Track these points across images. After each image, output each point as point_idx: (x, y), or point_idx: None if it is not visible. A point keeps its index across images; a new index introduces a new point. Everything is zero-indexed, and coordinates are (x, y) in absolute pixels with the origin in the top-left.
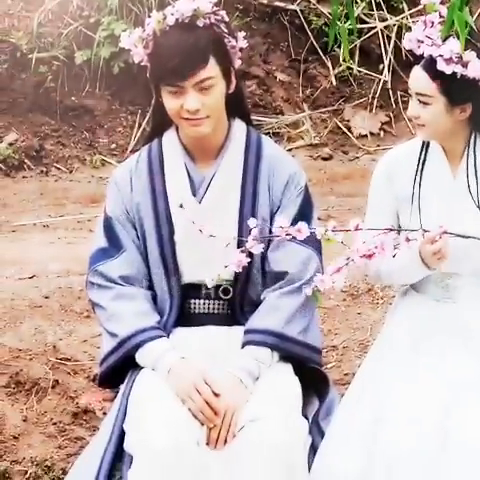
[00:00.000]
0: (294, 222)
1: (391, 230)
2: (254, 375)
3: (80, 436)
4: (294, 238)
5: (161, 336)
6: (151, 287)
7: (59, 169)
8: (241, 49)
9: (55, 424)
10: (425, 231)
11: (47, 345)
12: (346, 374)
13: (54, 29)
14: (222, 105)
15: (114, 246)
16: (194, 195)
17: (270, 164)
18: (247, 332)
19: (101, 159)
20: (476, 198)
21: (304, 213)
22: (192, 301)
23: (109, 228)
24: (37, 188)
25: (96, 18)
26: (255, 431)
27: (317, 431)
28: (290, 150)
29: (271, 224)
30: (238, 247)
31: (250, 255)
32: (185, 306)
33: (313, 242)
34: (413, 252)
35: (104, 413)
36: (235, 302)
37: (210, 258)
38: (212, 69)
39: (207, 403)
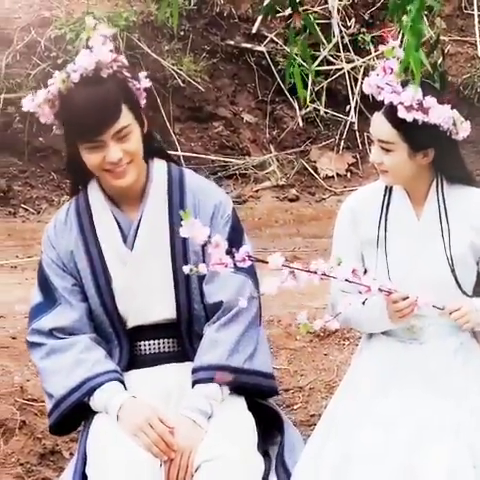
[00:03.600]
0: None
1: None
2: (207, 413)
3: (47, 477)
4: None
5: (111, 380)
6: (98, 333)
7: (27, 210)
8: (146, 89)
9: (22, 465)
10: (388, 292)
11: (14, 386)
12: (312, 415)
13: (22, 70)
14: (141, 148)
15: (49, 300)
16: (125, 242)
17: (194, 197)
18: (194, 371)
19: (69, 200)
20: (445, 240)
21: (234, 240)
22: (141, 343)
23: (44, 282)
24: (5, 229)
25: (64, 59)
26: (211, 471)
27: (283, 471)
28: (257, 191)
29: (203, 256)
30: (175, 286)
31: (188, 292)
32: (135, 349)
33: (245, 267)
34: (382, 306)
35: (71, 454)
36: (183, 339)
37: (150, 301)
38: (126, 117)
39: (161, 437)
